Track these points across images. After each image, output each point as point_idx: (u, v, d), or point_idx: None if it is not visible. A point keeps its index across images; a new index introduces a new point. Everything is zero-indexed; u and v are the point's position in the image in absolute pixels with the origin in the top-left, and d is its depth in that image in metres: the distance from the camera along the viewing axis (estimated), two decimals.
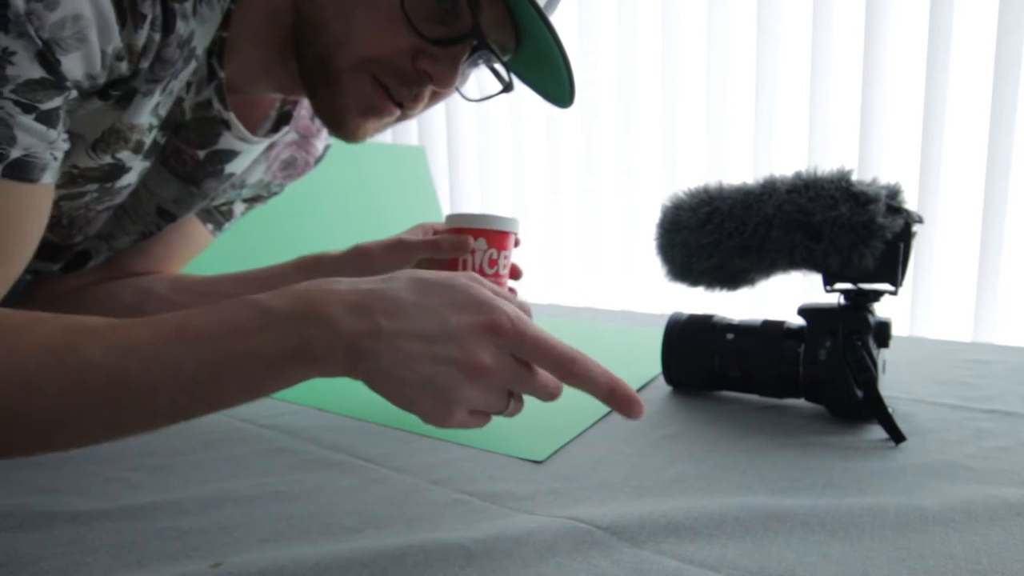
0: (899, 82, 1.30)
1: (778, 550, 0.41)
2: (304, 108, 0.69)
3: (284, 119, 0.66)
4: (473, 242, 0.62)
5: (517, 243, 0.67)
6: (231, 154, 0.62)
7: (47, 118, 0.41)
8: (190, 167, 0.61)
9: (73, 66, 0.41)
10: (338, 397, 0.72)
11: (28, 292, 0.70)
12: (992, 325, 1.25)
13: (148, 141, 0.53)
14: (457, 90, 0.57)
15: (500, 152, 1.79)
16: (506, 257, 0.63)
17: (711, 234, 0.66)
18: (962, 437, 0.60)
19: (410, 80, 0.53)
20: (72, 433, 0.38)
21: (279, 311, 0.38)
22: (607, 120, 1.63)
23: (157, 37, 0.45)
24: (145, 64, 0.46)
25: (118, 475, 0.53)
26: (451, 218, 0.65)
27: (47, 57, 0.39)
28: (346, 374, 0.39)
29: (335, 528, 0.44)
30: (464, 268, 0.62)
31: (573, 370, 0.41)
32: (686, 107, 1.53)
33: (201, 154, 0.60)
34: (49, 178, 0.43)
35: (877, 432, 0.61)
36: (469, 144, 1.82)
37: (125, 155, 0.52)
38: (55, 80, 0.40)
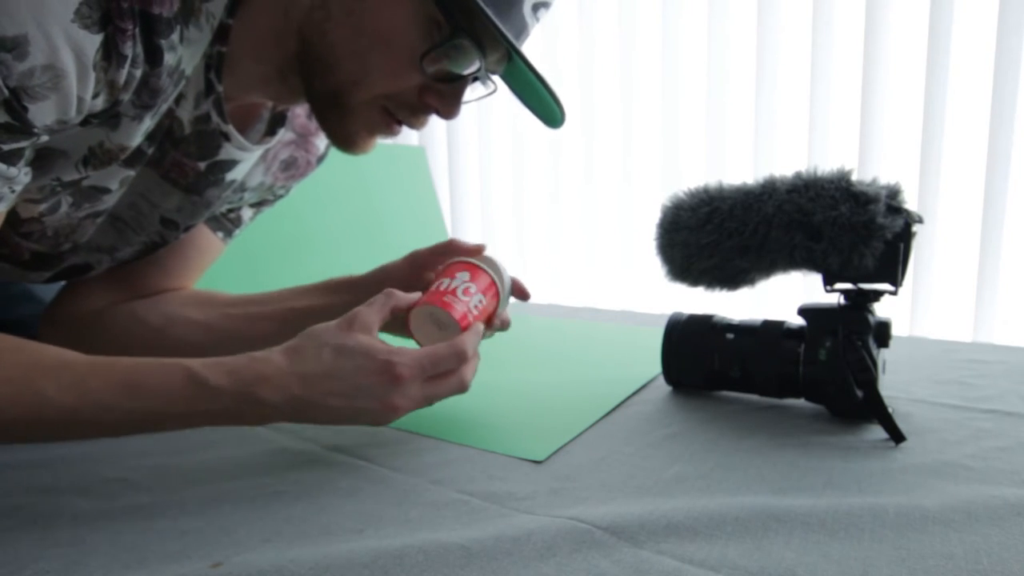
0: (899, 82, 1.29)
1: (778, 550, 0.41)
2: (300, 107, 0.69)
3: (279, 121, 0.66)
4: (471, 271, 0.62)
5: (493, 311, 0.63)
6: (231, 163, 0.62)
7: (8, 158, 0.42)
8: (191, 178, 0.61)
9: (43, 113, 0.41)
10: None
11: (49, 316, 0.69)
12: (992, 325, 1.25)
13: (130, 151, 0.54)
14: None
15: (500, 152, 1.79)
16: (481, 302, 0.61)
17: (711, 234, 0.66)
18: (962, 437, 0.60)
19: (417, 110, 0.57)
20: (23, 440, 0.49)
21: (221, 390, 0.47)
22: (607, 120, 1.63)
23: (139, 72, 0.45)
24: (126, 96, 0.46)
25: (118, 475, 0.53)
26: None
27: (13, 105, 0.40)
28: (287, 421, 0.50)
29: (335, 528, 0.44)
30: (442, 290, 0.60)
31: (467, 356, 0.54)
32: (686, 107, 1.53)
33: (202, 165, 0.60)
34: (3, 207, 0.45)
35: (877, 432, 0.61)
36: (469, 144, 1.82)
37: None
38: (21, 126, 0.41)
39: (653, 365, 0.77)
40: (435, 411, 0.68)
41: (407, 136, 1.82)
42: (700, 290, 0.70)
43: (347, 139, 0.58)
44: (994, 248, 1.23)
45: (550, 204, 1.75)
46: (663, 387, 0.77)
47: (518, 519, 0.45)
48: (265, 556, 0.40)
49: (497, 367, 0.85)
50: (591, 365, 0.90)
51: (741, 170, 1.46)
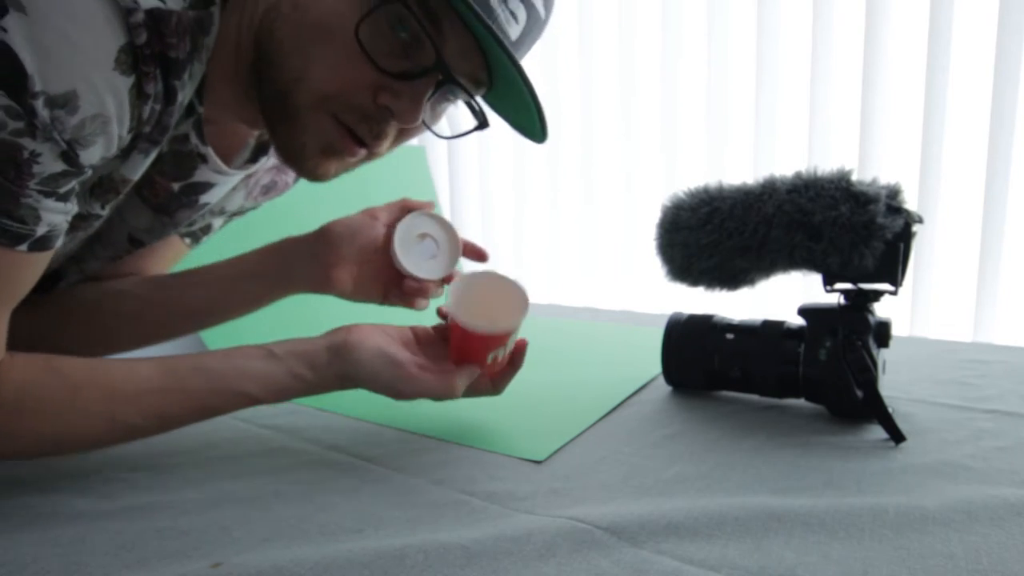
0: (899, 82, 1.29)
1: (778, 550, 0.41)
2: None
3: (262, 149, 0.65)
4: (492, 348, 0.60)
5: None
6: (206, 186, 0.61)
7: (65, 197, 0.45)
8: (163, 198, 0.60)
9: (92, 154, 0.43)
10: (338, 397, 0.72)
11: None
12: (992, 325, 1.25)
13: None
14: (427, 127, 0.54)
15: (500, 152, 1.78)
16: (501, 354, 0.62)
17: (711, 234, 0.66)
18: (962, 437, 0.60)
19: (371, 117, 0.51)
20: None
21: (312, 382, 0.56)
22: (607, 120, 1.63)
23: (159, 107, 0.46)
24: (146, 130, 0.47)
25: (118, 475, 0.53)
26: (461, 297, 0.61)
27: (69, 155, 0.42)
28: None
29: (335, 528, 0.44)
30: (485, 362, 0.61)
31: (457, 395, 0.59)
32: (686, 107, 1.53)
33: (176, 186, 0.59)
34: (60, 242, 0.47)
35: (877, 432, 0.61)
36: (469, 144, 1.82)
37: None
38: (75, 171, 0.43)
39: (653, 365, 0.77)
40: (436, 411, 0.68)
41: None
42: (700, 290, 0.70)
43: (296, 154, 0.53)
44: (994, 248, 1.23)
45: (550, 204, 1.75)
46: (663, 387, 0.77)
47: (518, 519, 0.45)
48: (265, 556, 0.40)
49: None
50: (591, 365, 0.90)
51: (741, 170, 1.46)
